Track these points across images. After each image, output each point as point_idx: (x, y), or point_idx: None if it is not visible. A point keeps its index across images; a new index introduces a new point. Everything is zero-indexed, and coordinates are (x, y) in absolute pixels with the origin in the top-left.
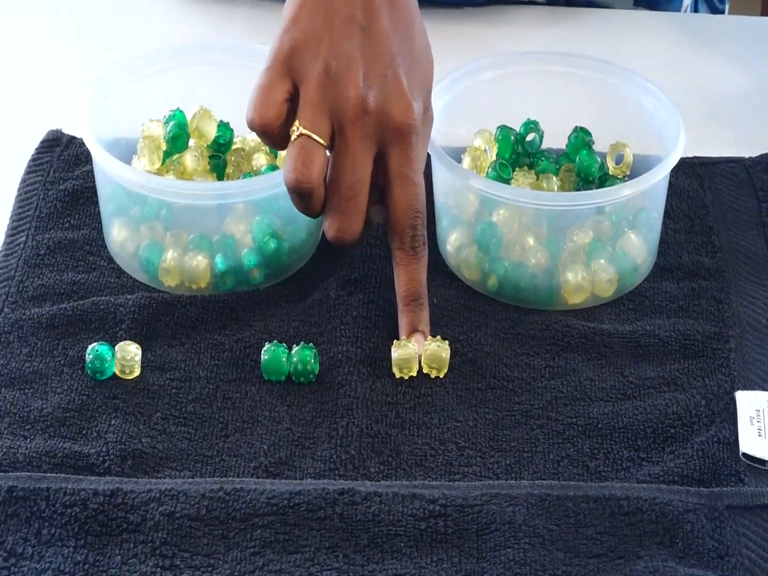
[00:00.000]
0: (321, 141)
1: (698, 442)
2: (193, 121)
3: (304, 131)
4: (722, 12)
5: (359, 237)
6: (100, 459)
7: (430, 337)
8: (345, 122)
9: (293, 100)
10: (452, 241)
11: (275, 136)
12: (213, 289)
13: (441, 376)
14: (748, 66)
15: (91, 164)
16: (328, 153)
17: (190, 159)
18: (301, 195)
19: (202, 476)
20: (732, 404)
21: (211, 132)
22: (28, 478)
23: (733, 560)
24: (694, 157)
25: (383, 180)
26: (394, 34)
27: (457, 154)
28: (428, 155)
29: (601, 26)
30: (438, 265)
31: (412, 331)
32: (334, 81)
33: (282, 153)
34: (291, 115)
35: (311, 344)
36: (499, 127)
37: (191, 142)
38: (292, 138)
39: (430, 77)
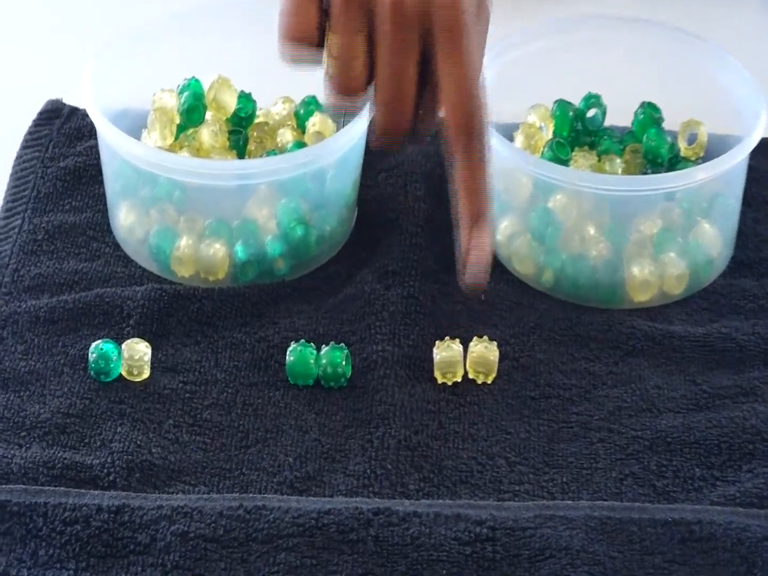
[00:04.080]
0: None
1: None
2: (210, 91)
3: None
4: None
5: (408, 135)
6: (105, 471)
7: (476, 337)
8: (380, 28)
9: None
10: (502, 229)
11: (312, 46)
12: (232, 281)
13: (489, 382)
14: None
15: (96, 139)
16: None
17: (206, 134)
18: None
19: (219, 492)
20: None
21: (231, 104)
22: (24, 491)
23: None
24: None
25: (433, 85)
26: None
27: (508, 132)
28: None
29: None
30: None
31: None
32: None
33: (310, 129)
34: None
35: (342, 344)
36: (556, 102)
37: (208, 115)
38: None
39: None
